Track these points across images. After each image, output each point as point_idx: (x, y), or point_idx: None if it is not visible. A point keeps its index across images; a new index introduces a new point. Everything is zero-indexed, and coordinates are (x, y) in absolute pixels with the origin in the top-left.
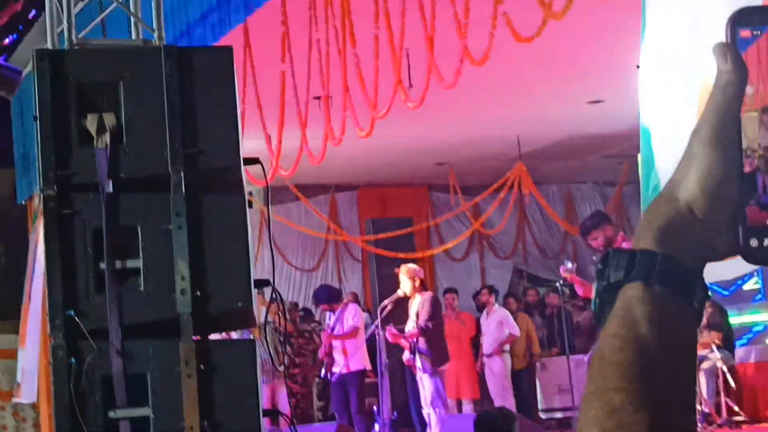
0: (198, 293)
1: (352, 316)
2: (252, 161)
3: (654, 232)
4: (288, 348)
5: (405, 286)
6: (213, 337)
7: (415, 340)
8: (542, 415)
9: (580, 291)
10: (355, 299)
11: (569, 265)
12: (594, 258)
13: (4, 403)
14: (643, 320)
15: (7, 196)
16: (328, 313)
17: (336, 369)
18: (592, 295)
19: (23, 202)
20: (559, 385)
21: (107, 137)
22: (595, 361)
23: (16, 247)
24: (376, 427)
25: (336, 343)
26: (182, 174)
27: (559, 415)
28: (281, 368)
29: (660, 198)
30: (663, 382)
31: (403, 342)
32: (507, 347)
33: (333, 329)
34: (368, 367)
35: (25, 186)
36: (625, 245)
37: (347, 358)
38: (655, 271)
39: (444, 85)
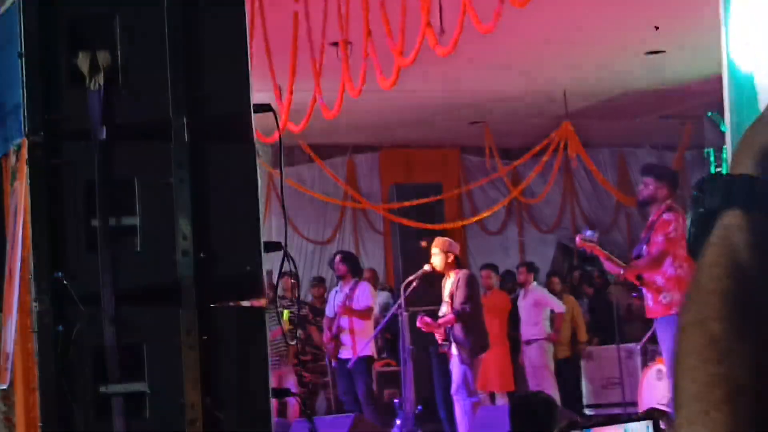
0: (201, 255)
1: (366, 296)
2: (263, 108)
3: (753, 157)
4: (300, 331)
5: (436, 261)
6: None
7: (450, 326)
8: (587, 412)
9: (607, 266)
10: (374, 277)
11: (588, 233)
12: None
13: None
14: (744, 248)
15: None
16: (333, 291)
17: (344, 354)
18: (622, 272)
19: None
20: (608, 377)
21: (101, 78)
22: (692, 292)
23: None
24: (398, 422)
25: (344, 323)
26: (185, 121)
27: (607, 411)
28: (293, 343)
29: (758, 122)
30: (766, 311)
31: (439, 332)
32: (548, 328)
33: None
34: (375, 354)
35: None
36: (665, 216)
37: (355, 342)
38: (755, 196)
39: (480, 29)
